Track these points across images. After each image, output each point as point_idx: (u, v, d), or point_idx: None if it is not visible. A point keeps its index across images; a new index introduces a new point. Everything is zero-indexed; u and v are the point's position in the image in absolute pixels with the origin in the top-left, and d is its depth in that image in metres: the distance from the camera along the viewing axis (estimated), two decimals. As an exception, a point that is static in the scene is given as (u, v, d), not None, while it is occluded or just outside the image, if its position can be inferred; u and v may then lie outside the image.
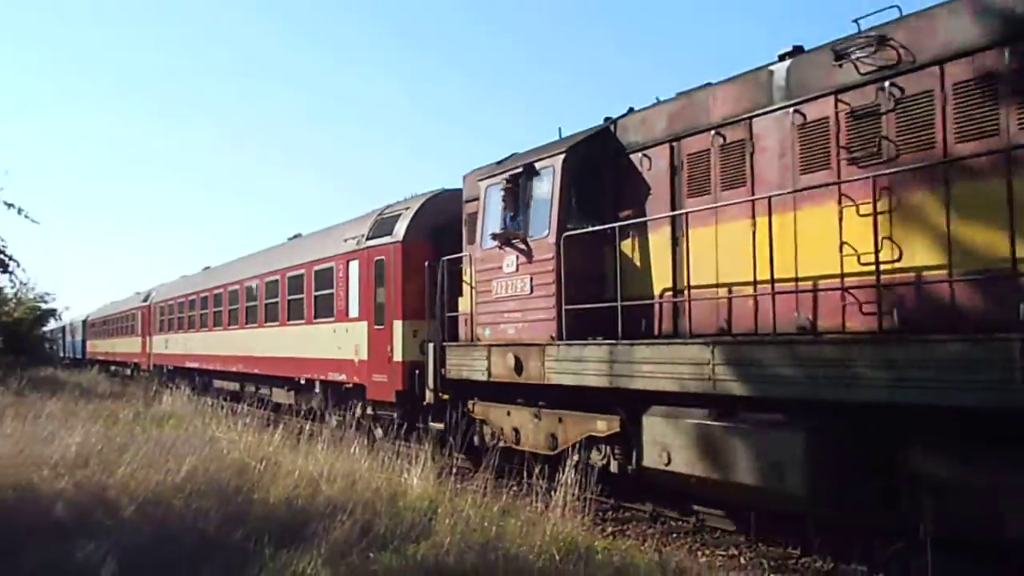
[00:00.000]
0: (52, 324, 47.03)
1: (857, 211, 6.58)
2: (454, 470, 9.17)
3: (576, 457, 8.21)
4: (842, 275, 6.69)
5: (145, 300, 32.69)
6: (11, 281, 30.97)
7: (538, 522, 7.35)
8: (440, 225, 12.64)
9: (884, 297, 6.33)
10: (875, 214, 6.32)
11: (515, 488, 9.73)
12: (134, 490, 7.71)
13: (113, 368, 37.56)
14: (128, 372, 35.31)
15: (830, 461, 6.44)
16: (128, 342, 35.29)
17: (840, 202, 6.73)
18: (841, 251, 6.66)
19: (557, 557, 6.47)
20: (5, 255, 26.16)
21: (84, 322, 50.54)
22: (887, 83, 6.65)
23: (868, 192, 6.40)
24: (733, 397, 7.06)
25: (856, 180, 6.60)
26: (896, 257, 6.43)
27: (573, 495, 7.80)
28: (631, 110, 9.58)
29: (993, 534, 5.52)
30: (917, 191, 6.38)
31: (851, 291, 6.64)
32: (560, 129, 10.54)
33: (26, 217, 30.83)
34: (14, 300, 37.66)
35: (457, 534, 6.69)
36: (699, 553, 8.19)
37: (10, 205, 23.77)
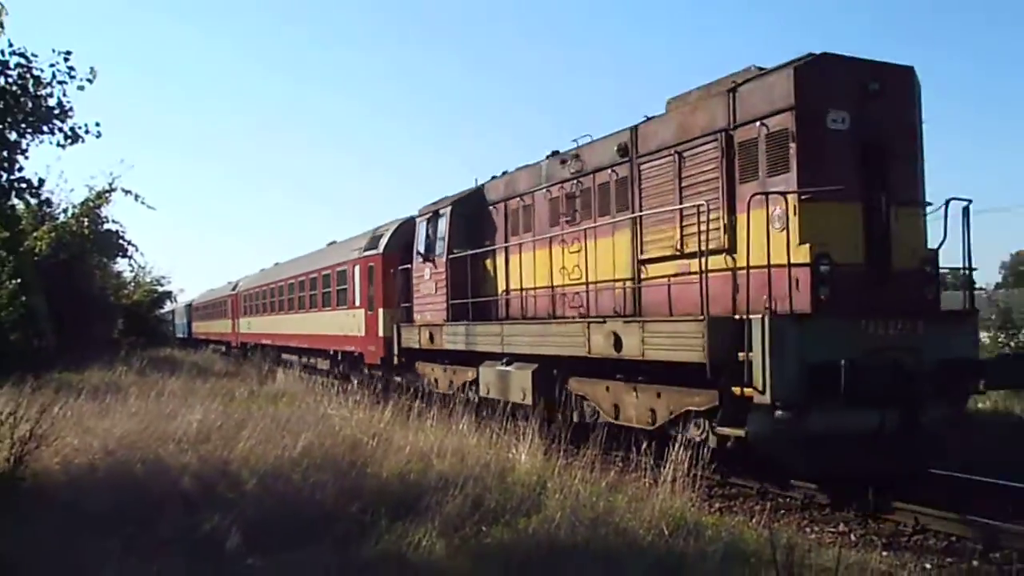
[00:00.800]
0: (168, 306, 49.81)
1: (568, 249, 11.67)
2: (562, 447, 9.16)
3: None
4: (563, 285, 11.77)
5: (234, 289, 38.45)
6: (130, 265, 33.01)
7: (646, 498, 7.28)
8: (408, 243, 17.07)
9: (582, 298, 11.28)
10: (580, 251, 11.48)
11: (621, 464, 9.68)
12: (254, 464, 7.97)
13: (212, 346, 42.40)
14: (223, 349, 39.79)
15: (541, 384, 11.45)
16: (222, 324, 40.71)
17: (562, 243, 11.84)
18: (563, 271, 11.79)
19: (667, 532, 6.40)
20: (124, 240, 27.84)
21: (189, 306, 54.86)
22: (578, 179, 11.65)
23: (573, 238, 11.48)
24: (512, 353, 12.20)
25: (568, 232, 11.68)
26: (582, 278, 11.11)
27: (683, 471, 7.68)
28: (493, 177, 14.62)
29: (610, 418, 10.10)
30: (579, 240, 11.28)
31: (566, 294, 11.76)
32: (476, 179, 15.18)
33: (143, 204, 32.52)
34: (133, 283, 39.88)
35: (567, 509, 6.66)
36: (808, 530, 8.01)
37: (128, 192, 25.26)
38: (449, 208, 14.72)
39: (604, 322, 9.83)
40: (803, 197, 7.92)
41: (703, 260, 8.29)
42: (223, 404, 12.06)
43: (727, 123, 8.96)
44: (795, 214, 7.95)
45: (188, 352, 37.61)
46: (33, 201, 7.13)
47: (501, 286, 13.69)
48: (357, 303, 19.93)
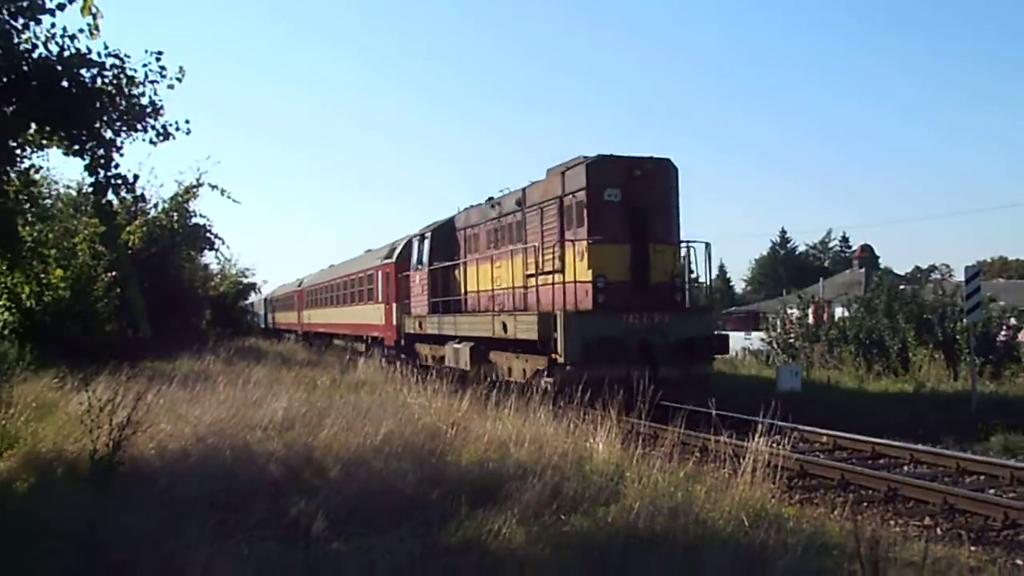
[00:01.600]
0: (252, 298, 51.68)
1: (495, 266, 16.71)
2: (640, 436, 9.10)
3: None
4: (492, 289, 16.69)
5: (299, 285, 44.36)
6: (216, 257, 34.23)
7: (725, 488, 7.18)
8: (410, 254, 22.56)
9: (500, 298, 16.51)
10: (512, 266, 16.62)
11: (699, 454, 9.57)
12: (337, 451, 8.15)
13: (285, 335, 46.08)
14: (290, 337, 43.92)
15: (476, 356, 15.90)
16: (290, 315, 46.50)
17: (491, 261, 17.00)
18: (491, 281, 16.78)
19: (747, 523, 6.29)
20: (211, 233, 28.89)
21: (266, 300, 58.37)
22: (498, 219, 16.89)
23: (497, 258, 16.58)
24: (461, 335, 17.04)
25: (493, 254, 16.80)
26: (503, 285, 16.03)
27: (763, 461, 7.54)
28: (461, 209, 19.70)
29: (506, 377, 14.63)
30: (499, 260, 16.51)
31: (494, 295, 16.76)
32: (458, 206, 20.14)
33: (229, 198, 33.65)
34: (219, 275, 41.29)
35: (646, 499, 6.60)
36: (892, 522, 7.83)
37: (214, 187, 26.20)
38: (430, 233, 20.66)
39: (499, 314, 15.48)
40: (590, 242, 13.25)
41: (538, 278, 14.64)
42: (306, 392, 12.39)
43: (560, 193, 14.28)
44: (586, 252, 13.27)
45: (272, 342, 38.79)
46: (129, 197, 7.39)
47: (463, 289, 18.79)
48: (380, 299, 25.54)
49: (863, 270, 52.40)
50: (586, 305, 13.17)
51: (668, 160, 13.95)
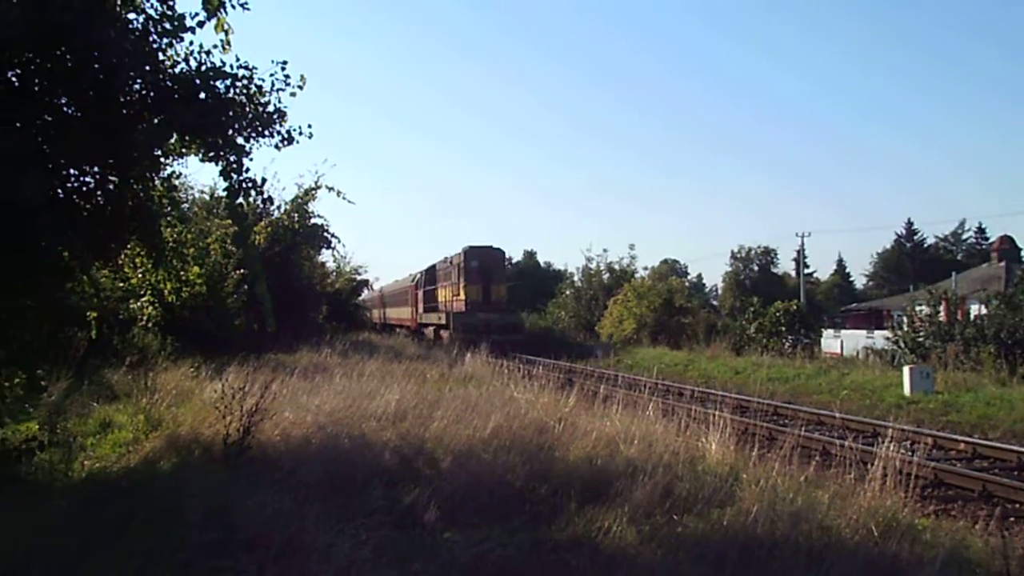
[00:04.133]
0: (364, 294, 54.11)
1: (440, 291, 42.18)
2: (756, 438, 8.88)
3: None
4: (443, 302, 40.16)
5: (380, 291, 59.97)
6: (333, 256, 35.72)
7: (851, 495, 6.90)
8: (422, 280, 44.70)
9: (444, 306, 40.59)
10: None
11: (819, 458, 9.25)
12: (448, 443, 8.35)
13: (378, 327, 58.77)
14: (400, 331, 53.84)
15: (434, 332, 39.63)
16: (378, 311, 60.88)
17: (442, 288, 42.49)
18: (442, 297, 42.03)
19: (875, 533, 6.04)
20: (328, 233, 30.13)
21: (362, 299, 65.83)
22: (436, 270, 42.84)
23: (445, 287, 40.64)
24: (431, 323, 42.07)
25: (440, 286, 41.34)
26: (446, 299, 40.16)
27: (894, 468, 7.19)
28: (440, 260, 41.52)
29: (431, 337, 43.45)
30: (446, 288, 41.43)
31: (444, 305, 40.30)
32: (446, 256, 40.36)
33: (344, 199, 34.88)
34: (335, 273, 43.04)
35: (764, 502, 6.41)
36: None
37: (331, 188, 27.38)
38: (424, 272, 42.91)
39: (439, 312, 39.48)
40: (463, 285, 35.61)
41: (453, 298, 36.99)
42: (417, 385, 12.71)
43: (459, 262, 36.28)
44: (463, 288, 35.46)
45: (384, 336, 40.21)
46: (258, 199, 7.85)
47: (437, 300, 39.94)
48: (408, 305, 47.50)
49: (1003, 264, 48.54)
50: (461, 309, 35.12)
51: (501, 248, 37.74)
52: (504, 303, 35.55)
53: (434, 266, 40.44)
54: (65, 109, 6.60)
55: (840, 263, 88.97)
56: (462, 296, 34.78)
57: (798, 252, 66.13)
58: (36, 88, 6.44)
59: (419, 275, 43.53)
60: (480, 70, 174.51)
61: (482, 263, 34.66)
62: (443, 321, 36.53)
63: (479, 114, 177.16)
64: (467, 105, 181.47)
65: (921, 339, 26.04)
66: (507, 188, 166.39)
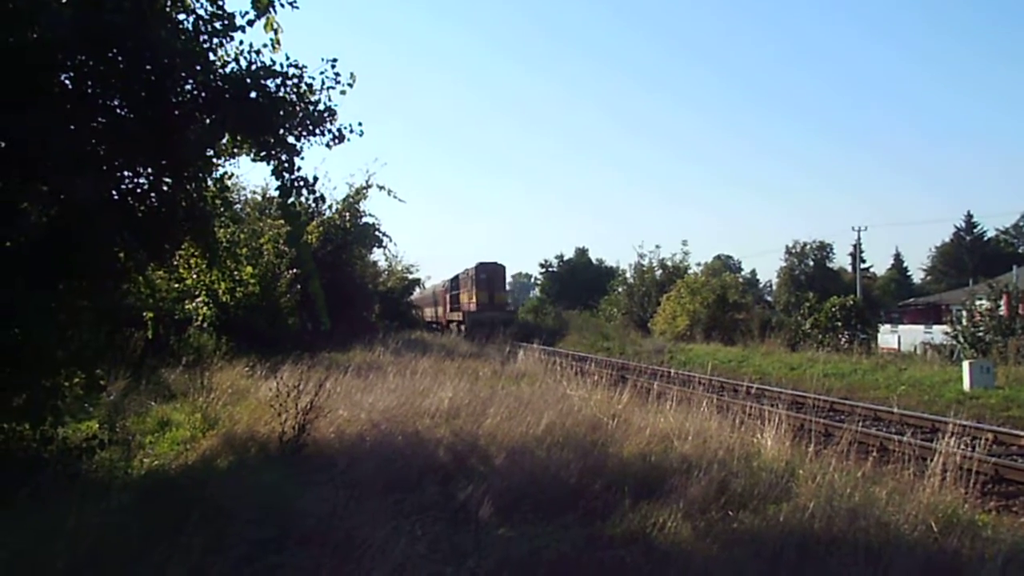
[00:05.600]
0: (417, 293, 55.05)
1: (463, 294, 52.07)
2: (812, 434, 8.69)
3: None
4: (464, 303, 49.90)
5: (422, 292, 65.32)
6: (384, 255, 36.02)
7: (909, 491, 6.73)
8: (449, 285, 54.39)
9: (464, 307, 51.54)
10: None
11: (876, 454, 9.01)
12: (501, 440, 8.34)
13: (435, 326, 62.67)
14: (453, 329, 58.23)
15: (469, 328, 43.63)
16: (428, 311, 67.39)
17: (463, 293, 52.25)
18: (463, 300, 52.08)
19: (935, 529, 5.89)
20: (380, 232, 30.39)
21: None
22: (457, 280, 52.63)
23: (462, 293, 51.57)
24: (453, 320, 53.09)
25: (462, 291, 50.95)
26: (465, 302, 49.74)
27: (953, 464, 6.99)
28: (463, 270, 50.42)
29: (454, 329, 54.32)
30: (464, 292, 52.08)
31: (465, 305, 50.19)
32: (465, 268, 49.72)
33: (395, 198, 35.15)
34: (387, 272, 43.48)
35: (821, 498, 6.29)
36: None
37: (382, 187, 27.56)
38: (449, 281, 52.47)
39: (459, 311, 49.86)
40: (475, 291, 45.45)
41: (469, 301, 47.15)
42: (470, 383, 12.72)
43: (472, 274, 46.27)
44: (475, 293, 45.25)
45: (436, 335, 40.57)
46: (310, 198, 7.91)
47: (460, 302, 48.76)
48: (440, 305, 56.32)
49: (1066, 256, 47.01)
50: (473, 309, 44.90)
51: (502, 264, 47.77)
52: (503, 305, 47.19)
53: (457, 276, 50.31)
54: (118, 111, 6.70)
55: (897, 257, 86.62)
56: (474, 300, 44.90)
57: (854, 247, 64.65)
58: (89, 90, 6.56)
59: (447, 282, 53.91)
60: (516, 68, 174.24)
61: (488, 275, 44.99)
62: (462, 318, 46.63)
63: (506, 112, 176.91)
64: (499, 104, 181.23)
65: (981, 334, 25.26)
66: (546, 190, 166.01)
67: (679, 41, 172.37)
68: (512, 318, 47.12)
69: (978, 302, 27.30)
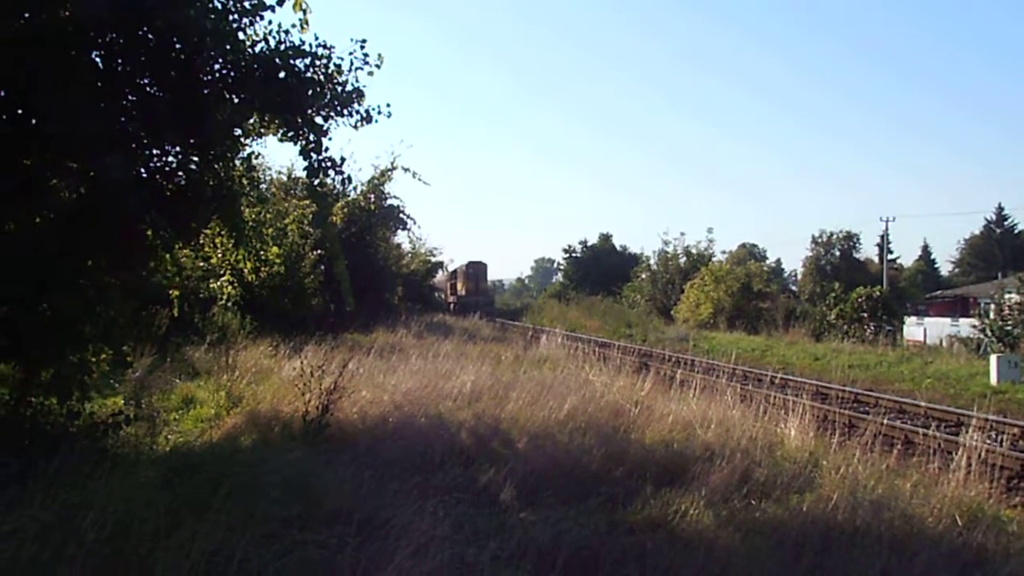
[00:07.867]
0: (440, 275, 55.70)
1: (459, 284, 61.15)
2: (836, 425, 8.63)
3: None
4: (458, 290, 61.87)
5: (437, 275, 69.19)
6: (408, 237, 36.08)
7: (933, 485, 6.74)
8: (453, 273, 60.88)
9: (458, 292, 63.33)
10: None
11: (901, 446, 8.93)
12: (523, 424, 8.34)
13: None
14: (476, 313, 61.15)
15: (460, 307, 52.06)
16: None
17: (461, 282, 61.99)
18: (458, 287, 63.33)
19: (960, 523, 5.89)
20: (404, 214, 30.44)
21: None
22: (455, 273, 61.10)
23: (461, 284, 61.14)
24: (453, 301, 60.83)
25: (459, 282, 60.38)
26: (469, 291, 58.42)
27: (978, 458, 6.95)
28: (463, 263, 59.65)
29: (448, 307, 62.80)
30: (460, 282, 62.34)
31: (459, 293, 61.79)
32: (460, 264, 59.60)
33: (420, 180, 35.27)
34: (410, 254, 43.56)
35: (845, 490, 6.26)
36: None
37: (407, 170, 27.61)
38: (452, 272, 58.38)
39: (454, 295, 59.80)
40: (464, 282, 56.71)
41: (459, 289, 58.98)
42: (492, 367, 12.74)
43: (466, 271, 56.47)
44: (463, 283, 56.78)
45: (458, 318, 40.55)
46: (338, 178, 7.91)
47: (457, 289, 57.74)
48: (444, 290, 61.72)
49: (1099, 251, 46.15)
50: (463, 294, 54.73)
51: (484, 262, 56.84)
52: (485, 291, 56.66)
53: (455, 269, 59.17)
54: (147, 89, 6.71)
55: (925, 249, 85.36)
56: (464, 288, 55.41)
57: (881, 237, 63.71)
58: (119, 69, 6.57)
59: (451, 273, 61.03)
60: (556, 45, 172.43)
61: (475, 271, 55.34)
62: (456, 300, 56.15)
63: (543, 96, 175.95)
64: (531, 87, 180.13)
65: (1009, 327, 24.89)
66: (581, 175, 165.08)
67: (725, 16, 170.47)
68: (491, 301, 58.84)
69: (1007, 295, 26.92)
